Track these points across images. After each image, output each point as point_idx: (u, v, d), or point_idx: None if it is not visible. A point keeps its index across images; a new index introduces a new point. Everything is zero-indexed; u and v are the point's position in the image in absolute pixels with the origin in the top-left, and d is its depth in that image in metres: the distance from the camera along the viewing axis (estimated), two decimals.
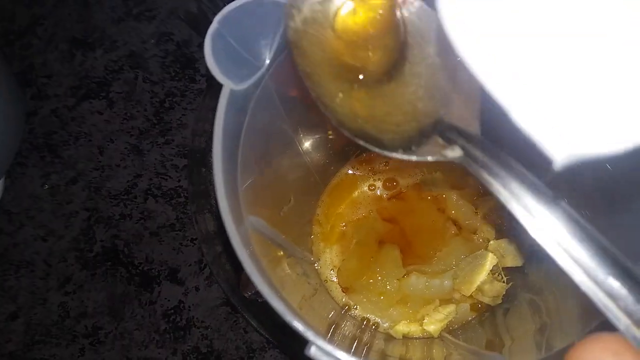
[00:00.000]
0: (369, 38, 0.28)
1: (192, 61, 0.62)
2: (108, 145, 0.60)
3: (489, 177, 0.23)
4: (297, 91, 0.37)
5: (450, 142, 0.25)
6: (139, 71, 0.62)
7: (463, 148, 0.24)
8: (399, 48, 0.28)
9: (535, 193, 0.21)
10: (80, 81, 0.62)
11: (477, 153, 0.24)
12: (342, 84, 0.28)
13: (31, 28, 0.65)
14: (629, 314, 0.18)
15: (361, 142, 0.26)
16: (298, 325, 0.23)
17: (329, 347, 0.23)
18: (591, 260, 0.19)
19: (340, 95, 0.27)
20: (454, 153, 0.25)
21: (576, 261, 0.20)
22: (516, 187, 0.22)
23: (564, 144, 0.18)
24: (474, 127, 0.25)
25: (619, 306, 0.18)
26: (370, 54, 0.28)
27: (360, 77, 0.28)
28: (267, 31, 0.30)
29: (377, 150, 0.26)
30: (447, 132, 0.25)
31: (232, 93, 0.29)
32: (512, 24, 0.19)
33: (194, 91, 0.61)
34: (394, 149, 0.26)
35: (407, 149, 0.26)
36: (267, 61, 0.31)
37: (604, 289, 0.19)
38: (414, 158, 0.26)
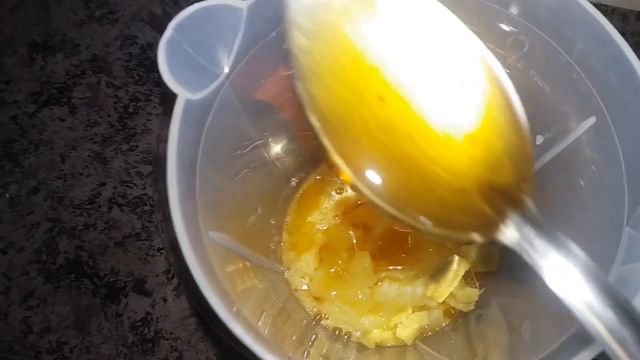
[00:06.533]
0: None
1: (156, 65, 0.59)
2: (70, 153, 0.58)
3: (542, 262, 0.19)
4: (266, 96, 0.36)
5: (501, 216, 0.20)
6: (102, 75, 0.60)
7: (517, 227, 0.20)
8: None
9: (596, 286, 0.18)
10: (41, 87, 0.60)
11: (531, 234, 0.19)
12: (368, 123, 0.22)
13: None
14: None
15: (392, 212, 0.21)
16: (256, 348, 0.22)
17: None
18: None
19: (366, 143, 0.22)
20: (507, 238, 0.20)
21: None
22: (577, 279, 0.19)
23: None
24: (529, 197, 0.20)
25: None
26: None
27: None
28: (226, 37, 0.29)
29: (413, 226, 0.21)
30: (497, 201, 0.20)
31: (189, 101, 0.27)
32: None
33: (159, 95, 0.59)
34: (434, 223, 0.21)
35: (449, 224, 0.21)
36: (227, 68, 0.30)
37: None
38: (454, 236, 0.21)
